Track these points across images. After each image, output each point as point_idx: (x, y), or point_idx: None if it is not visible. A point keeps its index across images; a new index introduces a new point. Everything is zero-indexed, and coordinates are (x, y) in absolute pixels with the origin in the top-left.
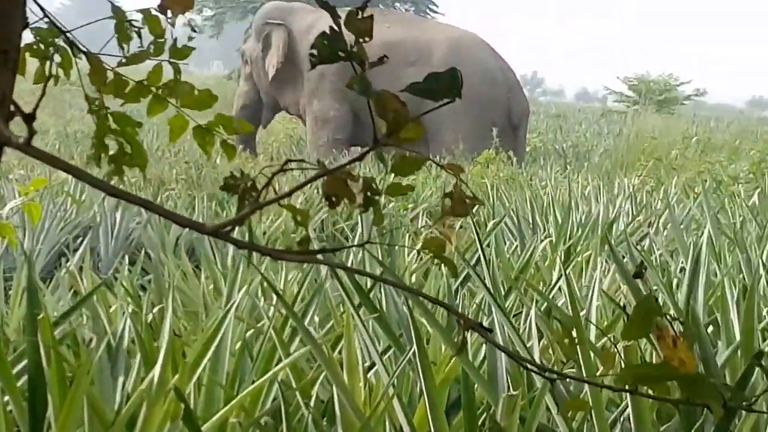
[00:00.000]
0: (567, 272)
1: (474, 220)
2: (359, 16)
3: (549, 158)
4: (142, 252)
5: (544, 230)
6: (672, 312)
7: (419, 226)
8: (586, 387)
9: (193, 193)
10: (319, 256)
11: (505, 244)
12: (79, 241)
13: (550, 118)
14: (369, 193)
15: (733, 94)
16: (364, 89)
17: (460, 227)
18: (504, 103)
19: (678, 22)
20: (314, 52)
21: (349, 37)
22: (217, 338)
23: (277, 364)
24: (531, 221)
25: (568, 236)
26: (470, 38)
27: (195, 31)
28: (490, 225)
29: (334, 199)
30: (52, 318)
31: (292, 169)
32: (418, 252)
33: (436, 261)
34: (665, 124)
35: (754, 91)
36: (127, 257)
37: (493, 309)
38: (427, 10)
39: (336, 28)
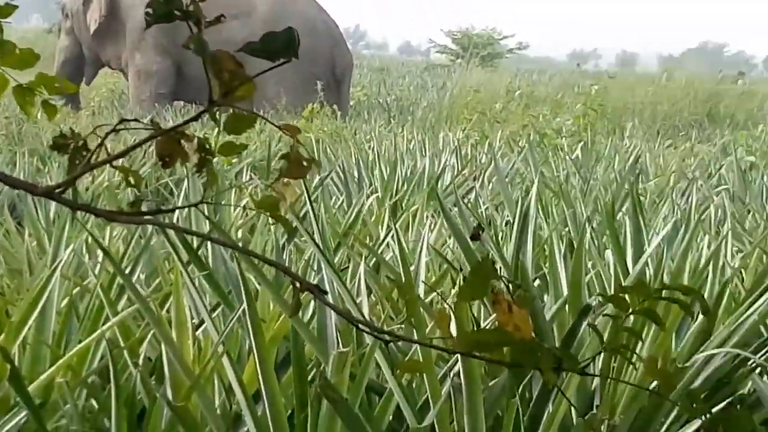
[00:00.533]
0: (396, 226)
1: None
2: None
3: (373, 112)
4: None
5: (371, 185)
6: (501, 267)
7: (244, 181)
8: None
9: (14, 148)
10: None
11: (332, 199)
12: None
13: (373, 72)
14: (203, 154)
15: (554, 47)
16: (200, 49)
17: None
18: (328, 56)
19: None
20: (149, 10)
21: None
22: (42, 297)
23: (104, 323)
24: (357, 177)
25: (394, 191)
26: None
27: None
28: (316, 181)
29: (167, 159)
30: None
31: (125, 129)
32: (244, 209)
33: (262, 217)
34: (488, 77)
35: (575, 44)
36: None
37: (323, 265)
38: None
39: None
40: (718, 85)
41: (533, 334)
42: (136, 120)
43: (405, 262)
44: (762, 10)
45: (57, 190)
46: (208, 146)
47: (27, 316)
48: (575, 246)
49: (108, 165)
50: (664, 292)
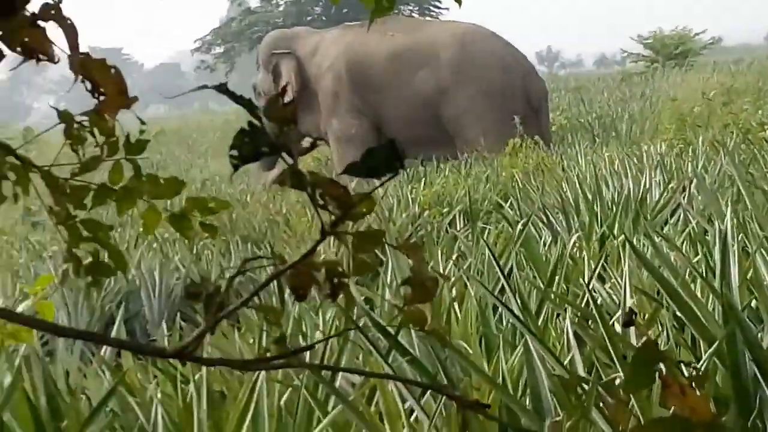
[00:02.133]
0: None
1: (506, 219)
2: (280, 103)
3: (576, 134)
4: None
5: (578, 217)
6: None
7: (458, 228)
8: None
9: (227, 237)
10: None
11: (540, 239)
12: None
13: (570, 92)
14: (336, 279)
15: (749, 32)
16: (297, 182)
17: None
18: (521, 88)
19: None
20: (234, 153)
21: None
22: (253, 399)
23: (317, 425)
24: (562, 211)
25: (600, 222)
26: (475, 31)
27: (209, 69)
28: (519, 226)
29: (301, 291)
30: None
31: (248, 270)
32: (400, 309)
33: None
34: (686, 78)
35: None
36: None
37: (527, 337)
38: (431, 8)
39: (255, 121)
40: None
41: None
42: (260, 257)
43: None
44: None
45: (187, 350)
46: (339, 269)
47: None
48: None
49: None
50: None
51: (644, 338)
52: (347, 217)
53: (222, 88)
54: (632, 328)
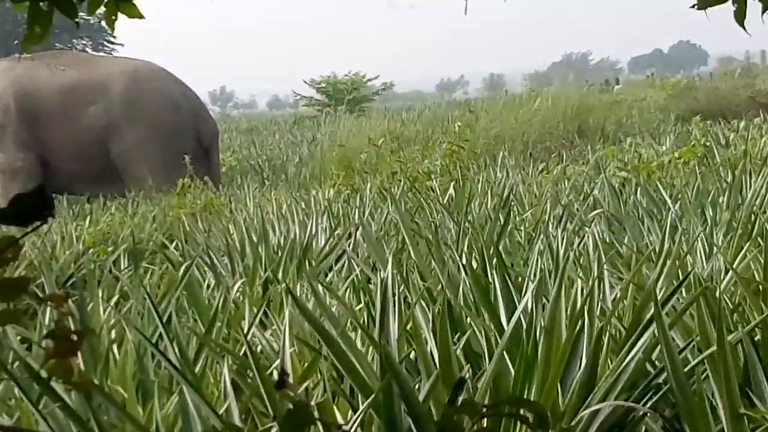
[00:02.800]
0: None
1: (170, 261)
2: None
3: (246, 176)
4: None
5: (242, 261)
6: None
7: (122, 268)
8: None
9: None
10: None
11: (204, 282)
12: None
13: (242, 134)
14: None
15: (422, 80)
16: None
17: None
18: (191, 127)
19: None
20: None
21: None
22: None
23: None
24: (228, 254)
25: (264, 266)
26: (148, 68)
27: None
28: (182, 269)
29: None
30: None
31: None
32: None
33: None
34: (357, 123)
35: (442, 74)
36: None
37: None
38: (105, 44)
39: None
40: (584, 98)
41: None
42: None
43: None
44: (618, 16)
45: None
46: None
47: None
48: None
49: None
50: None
51: (296, 398)
52: None
53: None
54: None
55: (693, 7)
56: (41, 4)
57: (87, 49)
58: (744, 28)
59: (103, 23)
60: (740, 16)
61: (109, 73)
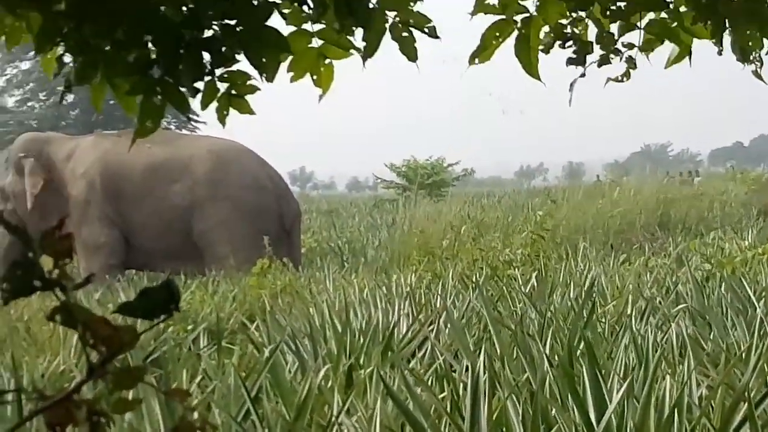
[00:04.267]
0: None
1: (252, 342)
2: (56, 236)
3: (326, 258)
4: None
5: (325, 344)
6: None
7: (202, 347)
8: None
9: None
10: None
11: (286, 365)
12: None
13: (322, 215)
14: (95, 418)
15: (501, 166)
16: (68, 319)
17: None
18: (275, 209)
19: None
20: (5, 286)
21: None
22: None
23: None
24: (310, 338)
25: (348, 352)
26: (233, 147)
27: None
28: (266, 352)
29: (58, 429)
30: None
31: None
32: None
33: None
34: (436, 208)
35: (522, 161)
36: None
37: None
38: (190, 122)
39: (29, 255)
40: (665, 190)
41: None
42: (19, 390)
43: None
44: (698, 107)
45: None
46: (98, 408)
47: None
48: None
49: None
50: None
51: None
52: (114, 357)
53: None
54: None
55: None
56: (155, 99)
57: (171, 126)
58: None
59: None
60: None
61: (194, 151)
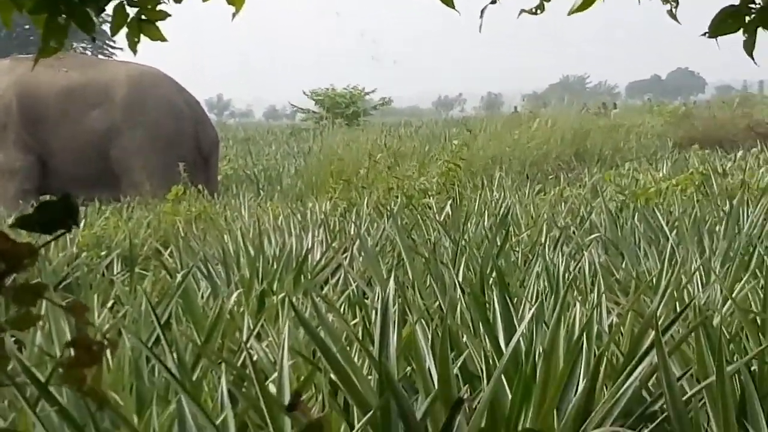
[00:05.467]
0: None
1: (165, 268)
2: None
3: (241, 185)
4: None
5: (238, 270)
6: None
7: (115, 273)
8: None
9: None
10: None
11: (199, 291)
12: None
13: (239, 143)
14: None
15: (420, 96)
16: None
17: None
18: (192, 135)
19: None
20: None
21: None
22: None
23: None
24: (224, 264)
25: (260, 277)
26: (152, 73)
27: None
28: (178, 277)
29: None
30: None
31: None
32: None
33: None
34: (354, 137)
35: (440, 91)
36: None
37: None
38: (106, 48)
39: None
40: (582, 121)
41: None
42: None
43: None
44: (616, 41)
45: None
46: None
47: None
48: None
49: None
50: None
51: (308, 418)
52: (13, 271)
53: None
54: (287, 388)
55: (704, 35)
56: (59, 18)
57: (87, 51)
58: (752, 58)
59: (104, 27)
60: (750, 46)
61: (113, 77)
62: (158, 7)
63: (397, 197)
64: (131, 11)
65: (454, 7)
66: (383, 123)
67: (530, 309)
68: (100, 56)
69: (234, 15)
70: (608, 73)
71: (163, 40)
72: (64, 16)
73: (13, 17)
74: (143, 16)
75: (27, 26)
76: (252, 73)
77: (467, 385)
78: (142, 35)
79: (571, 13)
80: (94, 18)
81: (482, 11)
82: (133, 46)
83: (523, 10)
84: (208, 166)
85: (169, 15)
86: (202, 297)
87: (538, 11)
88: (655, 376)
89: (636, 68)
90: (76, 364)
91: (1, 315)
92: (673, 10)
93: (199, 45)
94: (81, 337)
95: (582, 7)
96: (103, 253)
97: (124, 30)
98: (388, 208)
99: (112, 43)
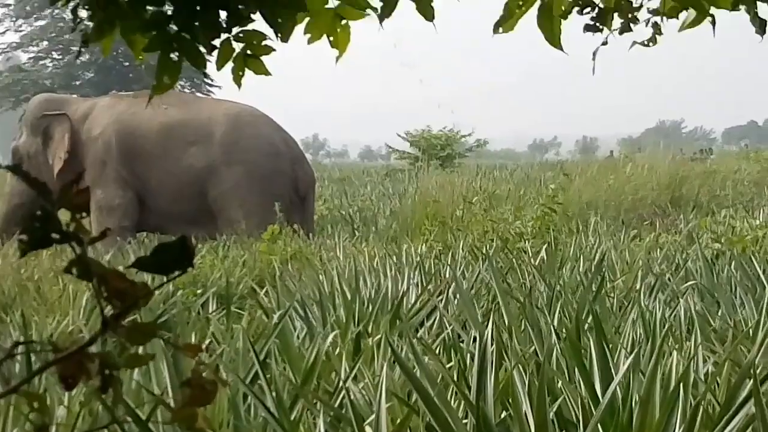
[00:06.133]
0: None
1: (261, 307)
2: (74, 190)
3: (336, 225)
4: None
5: (334, 311)
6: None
7: (210, 311)
8: None
9: None
10: None
11: (295, 331)
12: None
13: (334, 183)
14: (107, 371)
15: (515, 139)
16: (83, 271)
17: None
18: (290, 174)
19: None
20: (23, 238)
21: None
22: None
23: None
24: (319, 304)
25: (356, 319)
26: (249, 112)
27: None
28: (275, 317)
29: (70, 380)
30: None
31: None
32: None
33: None
34: (449, 179)
35: (536, 134)
36: None
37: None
38: (204, 86)
39: (48, 207)
40: (678, 167)
41: None
42: (31, 342)
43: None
44: (713, 85)
45: None
46: (111, 361)
47: None
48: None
49: None
50: None
51: None
52: (129, 311)
53: (17, 170)
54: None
55: None
56: (171, 55)
57: (185, 89)
58: None
59: None
60: None
61: (211, 114)
62: (263, 43)
63: (492, 240)
64: (237, 46)
65: (562, 49)
66: (478, 165)
67: (626, 356)
68: (198, 94)
69: (338, 58)
70: (705, 119)
71: (267, 74)
72: (176, 53)
73: (111, 55)
74: (249, 51)
75: (126, 63)
76: (349, 113)
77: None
78: (247, 70)
79: (681, 29)
80: (205, 55)
81: (594, 54)
82: (237, 80)
83: (635, 42)
84: (305, 206)
85: (274, 50)
86: (298, 337)
87: (651, 44)
88: (751, 427)
89: (733, 113)
90: (191, 402)
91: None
92: None
93: (299, 83)
94: (196, 376)
95: (692, 24)
96: (199, 292)
97: (227, 67)
98: (483, 251)
99: (210, 81)
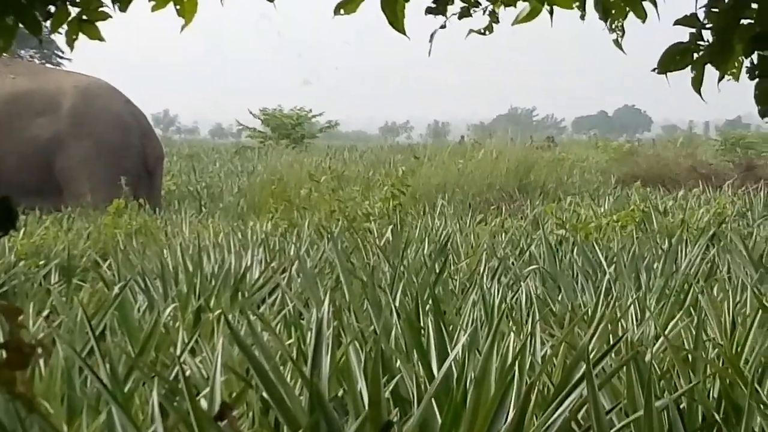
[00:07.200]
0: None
1: (103, 279)
2: None
3: (184, 201)
4: None
5: (176, 285)
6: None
7: (52, 283)
8: None
9: None
10: None
11: (135, 304)
12: None
13: (183, 159)
14: None
15: (367, 122)
16: None
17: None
18: (138, 148)
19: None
20: None
21: None
22: None
23: None
24: (161, 278)
25: (197, 293)
26: (99, 85)
27: None
28: (115, 290)
29: None
30: None
31: None
32: None
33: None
34: (298, 158)
35: (387, 117)
36: None
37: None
38: (55, 57)
39: None
40: (527, 153)
41: None
42: None
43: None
44: (565, 75)
45: None
46: None
47: None
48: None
49: None
50: None
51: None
52: None
53: None
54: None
55: (653, 71)
56: (7, 18)
57: (35, 60)
58: (700, 94)
59: (53, 36)
60: (697, 83)
61: (60, 85)
62: (99, 9)
63: (338, 220)
64: (73, 11)
65: (405, 33)
66: (329, 146)
67: (465, 336)
68: (48, 65)
69: (183, 27)
70: (556, 107)
71: (102, 39)
72: (12, 17)
73: None
74: (84, 16)
75: None
76: (201, 90)
77: (397, 409)
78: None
79: (515, 23)
80: (42, 20)
81: (431, 36)
82: (70, 43)
83: (471, 30)
84: (152, 180)
85: (110, 16)
86: (139, 310)
87: (487, 32)
88: (584, 408)
89: (584, 103)
90: (6, 365)
91: None
92: (619, 39)
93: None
94: (13, 339)
95: (527, 19)
96: (41, 263)
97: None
98: (330, 230)
99: (60, 53)
